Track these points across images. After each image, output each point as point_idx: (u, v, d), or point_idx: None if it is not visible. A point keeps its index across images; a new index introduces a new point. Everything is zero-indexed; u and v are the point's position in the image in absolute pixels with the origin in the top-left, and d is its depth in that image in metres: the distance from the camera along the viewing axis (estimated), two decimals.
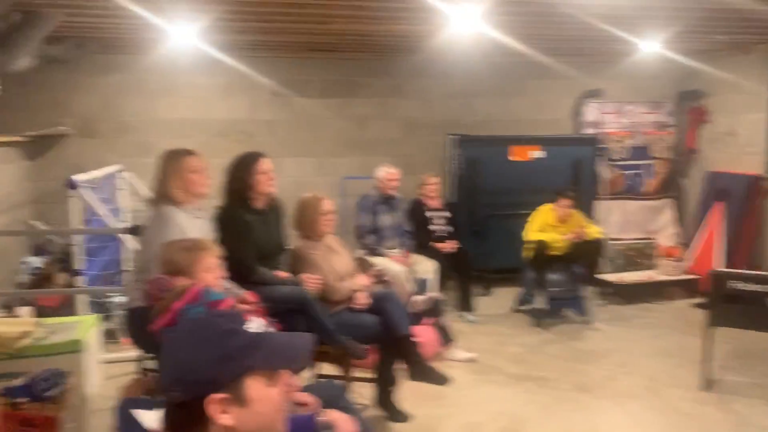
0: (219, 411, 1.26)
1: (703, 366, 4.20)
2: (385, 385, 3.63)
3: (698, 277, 6.38)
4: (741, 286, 4.03)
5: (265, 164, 3.45)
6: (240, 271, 3.17)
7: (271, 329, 1.42)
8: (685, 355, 4.73)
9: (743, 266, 6.32)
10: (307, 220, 3.68)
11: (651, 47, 5.99)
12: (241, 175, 3.43)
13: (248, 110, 6.62)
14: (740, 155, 6.71)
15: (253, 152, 3.53)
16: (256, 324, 1.36)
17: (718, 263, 6.33)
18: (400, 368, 3.57)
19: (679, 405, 4.00)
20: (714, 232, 6.62)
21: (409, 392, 3.74)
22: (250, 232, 3.38)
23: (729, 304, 4.13)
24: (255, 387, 1.29)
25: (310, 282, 3.41)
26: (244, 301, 2.87)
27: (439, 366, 3.76)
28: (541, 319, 5.51)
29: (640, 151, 7.37)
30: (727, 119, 6.88)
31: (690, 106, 7.32)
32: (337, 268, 3.60)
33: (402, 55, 6.46)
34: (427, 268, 5.38)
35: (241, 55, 6.10)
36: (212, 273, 2.54)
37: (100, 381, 4.06)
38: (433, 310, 4.76)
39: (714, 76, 6.85)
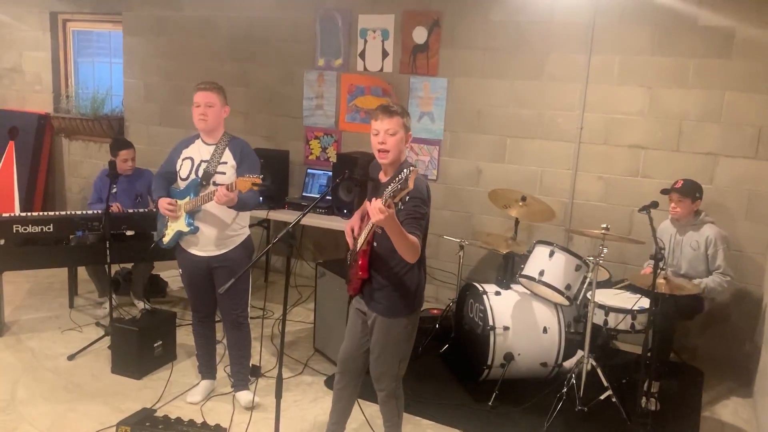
0: None
1: None
2: None
3: None
4: (26, 229, 4.10)
5: None
6: None
7: None
8: None
9: (41, 206, 6.49)
10: None
11: None
12: None
13: None
14: (29, 93, 6.70)
15: None
16: None
17: (16, 206, 6.26)
18: None
19: None
20: (8, 173, 6.47)
21: None
22: None
23: (19, 247, 4.19)
24: None
25: None
26: None
27: None
28: None
29: None
30: (11, 55, 6.71)
31: None
32: None
33: None
34: None
35: None
36: None
37: None
38: None
39: None
